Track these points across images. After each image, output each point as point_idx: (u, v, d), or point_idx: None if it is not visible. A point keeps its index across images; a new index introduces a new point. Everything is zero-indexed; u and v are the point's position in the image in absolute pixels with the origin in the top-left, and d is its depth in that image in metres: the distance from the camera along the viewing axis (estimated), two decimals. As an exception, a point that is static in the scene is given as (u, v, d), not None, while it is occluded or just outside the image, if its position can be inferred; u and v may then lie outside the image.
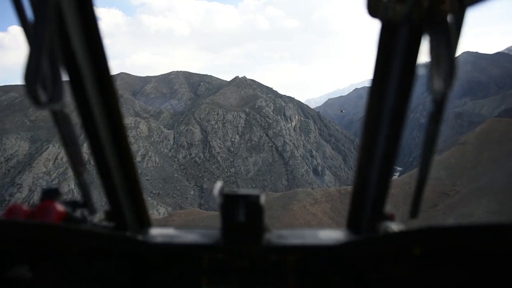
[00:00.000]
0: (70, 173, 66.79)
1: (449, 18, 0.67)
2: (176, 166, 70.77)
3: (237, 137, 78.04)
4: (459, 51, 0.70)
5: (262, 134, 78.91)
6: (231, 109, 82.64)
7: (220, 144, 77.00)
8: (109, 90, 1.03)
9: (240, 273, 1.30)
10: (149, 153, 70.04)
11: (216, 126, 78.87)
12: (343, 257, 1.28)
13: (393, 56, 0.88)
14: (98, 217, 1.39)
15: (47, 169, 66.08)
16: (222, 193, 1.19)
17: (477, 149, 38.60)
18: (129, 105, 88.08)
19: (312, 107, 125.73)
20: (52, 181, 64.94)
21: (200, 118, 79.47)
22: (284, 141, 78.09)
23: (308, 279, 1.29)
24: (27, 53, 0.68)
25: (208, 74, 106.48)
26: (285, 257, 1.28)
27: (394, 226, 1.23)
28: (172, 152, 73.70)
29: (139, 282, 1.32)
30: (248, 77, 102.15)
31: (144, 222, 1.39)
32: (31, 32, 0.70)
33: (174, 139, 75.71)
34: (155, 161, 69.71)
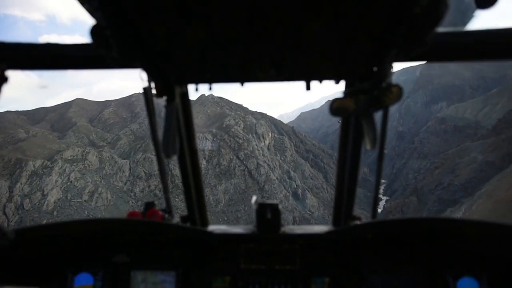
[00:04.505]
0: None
1: (380, 110, 1.05)
2: (132, 202, 59.58)
3: (204, 162, 68.00)
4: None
5: (232, 157, 69.56)
6: (196, 131, 73.26)
7: (184, 171, 66.89)
8: (192, 143, 1.84)
9: (265, 256, 2.09)
10: (99, 189, 58.51)
11: (179, 151, 68.95)
12: (329, 242, 2.08)
13: (348, 132, 1.70)
14: (176, 220, 2.13)
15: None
16: (257, 203, 2.05)
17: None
18: (83, 134, 76.32)
19: (285, 122, 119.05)
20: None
21: (160, 143, 69.21)
22: (258, 163, 69.08)
23: (309, 259, 2.08)
24: (164, 133, 1.15)
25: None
26: (293, 245, 2.09)
27: (359, 223, 2.01)
28: (127, 186, 62.52)
29: (198, 261, 2.11)
30: (217, 95, 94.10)
31: (205, 221, 2.20)
32: (167, 122, 1.17)
33: (130, 169, 64.80)
34: (107, 198, 58.20)
